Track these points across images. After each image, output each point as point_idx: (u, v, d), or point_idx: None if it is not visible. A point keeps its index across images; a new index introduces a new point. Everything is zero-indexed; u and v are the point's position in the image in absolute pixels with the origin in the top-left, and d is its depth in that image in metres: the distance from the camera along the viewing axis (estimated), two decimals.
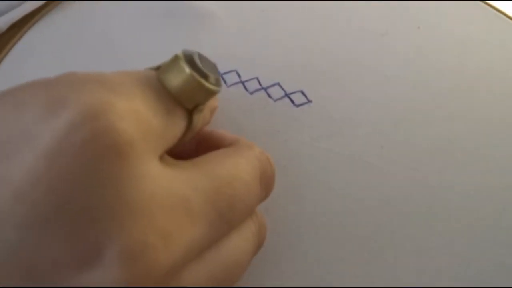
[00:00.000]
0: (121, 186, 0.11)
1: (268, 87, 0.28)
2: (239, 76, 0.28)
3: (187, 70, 0.15)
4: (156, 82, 0.15)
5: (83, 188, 0.11)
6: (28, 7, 0.29)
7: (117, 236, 0.11)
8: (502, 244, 0.24)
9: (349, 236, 0.24)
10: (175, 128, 0.15)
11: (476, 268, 0.24)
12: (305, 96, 0.28)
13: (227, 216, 0.15)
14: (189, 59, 0.16)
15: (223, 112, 0.27)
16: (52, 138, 0.11)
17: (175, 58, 0.16)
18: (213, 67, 0.17)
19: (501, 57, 0.32)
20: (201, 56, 0.16)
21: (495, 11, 0.34)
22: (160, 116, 0.14)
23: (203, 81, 0.16)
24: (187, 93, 0.15)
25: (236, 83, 0.28)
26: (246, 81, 0.28)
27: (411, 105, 0.29)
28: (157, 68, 0.16)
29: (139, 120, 0.13)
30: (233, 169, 0.16)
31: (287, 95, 0.28)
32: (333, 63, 0.30)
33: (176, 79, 0.15)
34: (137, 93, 0.14)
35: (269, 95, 0.28)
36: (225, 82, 0.28)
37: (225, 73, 0.28)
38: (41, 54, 0.29)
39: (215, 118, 0.26)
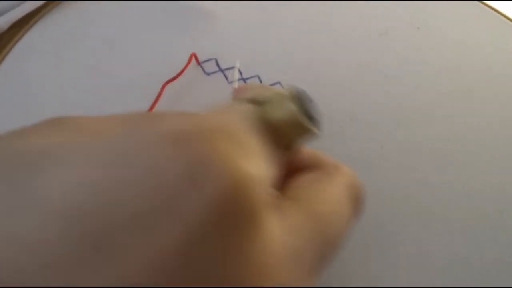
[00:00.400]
0: (252, 252, 0.11)
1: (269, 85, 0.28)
2: (240, 73, 0.28)
3: (295, 109, 0.15)
4: (262, 121, 0.15)
5: (220, 258, 0.11)
6: (29, 6, 0.29)
7: None
8: (502, 243, 0.24)
9: (349, 236, 0.24)
10: (278, 168, 0.15)
11: (476, 267, 0.24)
12: None
13: (328, 256, 0.15)
14: (296, 97, 0.16)
15: None
16: (194, 212, 0.10)
17: (283, 96, 0.15)
18: (315, 106, 0.16)
19: (499, 57, 0.32)
20: (305, 94, 0.16)
21: (494, 12, 0.34)
22: (270, 161, 0.14)
23: (309, 123, 0.15)
24: (291, 132, 0.15)
25: (238, 80, 0.28)
26: (248, 78, 0.28)
27: (411, 105, 0.29)
28: (257, 102, 0.16)
29: (265, 180, 0.13)
30: (332, 204, 0.16)
31: None
32: (333, 63, 0.30)
33: (282, 118, 0.15)
34: (256, 144, 0.13)
35: None
36: (226, 78, 0.28)
37: (226, 69, 0.28)
38: (42, 53, 0.29)
39: None
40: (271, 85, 0.28)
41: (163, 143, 0.11)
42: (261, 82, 0.28)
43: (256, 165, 0.12)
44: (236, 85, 0.27)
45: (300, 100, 0.16)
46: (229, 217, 0.11)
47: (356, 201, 0.17)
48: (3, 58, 0.28)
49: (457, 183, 0.26)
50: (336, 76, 0.29)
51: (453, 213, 0.25)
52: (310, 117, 0.16)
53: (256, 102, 0.16)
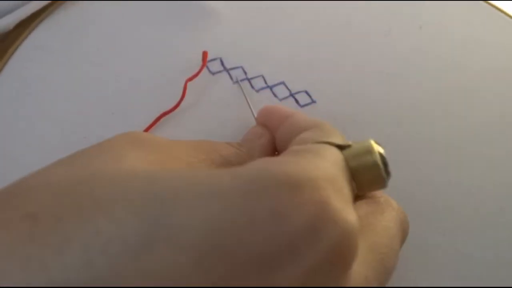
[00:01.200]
0: (343, 283, 0.13)
1: (274, 85, 0.28)
2: (245, 73, 0.28)
3: (378, 160, 0.16)
4: (346, 167, 0.16)
5: None
6: (35, 5, 0.29)
7: None
8: (504, 241, 0.25)
9: None
10: None
11: (478, 264, 0.24)
12: (310, 96, 0.28)
13: (385, 284, 0.17)
14: (377, 149, 0.17)
15: (231, 108, 0.27)
16: (315, 257, 0.12)
17: (369, 147, 0.17)
18: (387, 163, 0.17)
19: (502, 56, 0.32)
20: (382, 152, 0.17)
21: (497, 11, 0.34)
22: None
23: (386, 177, 0.17)
24: (367, 181, 0.16)
25: (243, 80, 0.28)
26: (252, 78, 0.28)
27: (414, 104, 0.29)
28: (342, 147, 0.17)
29: (357, 225, 0.14)
30: (389, 237, 0.17)
31: (292, 95, 0.28)
32: (336, 63, 0.30)
33: (363, 166, 0.16)
34: (349, 191, 0.15)
35: (274, 95, 0.28)
36: (231, 78, 0.28)
37: (231, 68, 0.28)
38: (48, 52, 0.29)
39: (223, 113, 0.27)
40: (276, 84, 0.28)
41: (280, 189, 0.12)
42: (265, 82, 0.28)
43: (352, 211, 0.14)
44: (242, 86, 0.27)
45: (380, 154, 0.17)
46: (338, 259, 0.12)
47: (404, 232, 0.19)
48: (9, 57, 0.28)
49: (459, 181, 0.26)
50: (340, 75, 0.29)
51: (456, 211, 0.25)
52: (386, 170, 0.17)
53: (339, 147, 0.17)
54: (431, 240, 0.24)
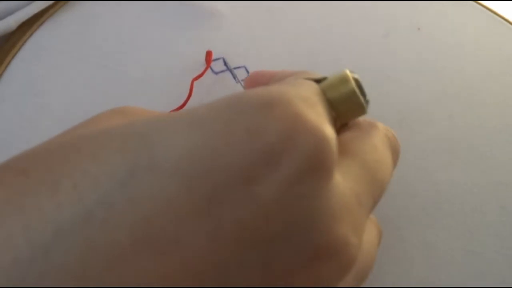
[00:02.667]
0: (327, 196, 0.13)
1: None
2: (247, 72, 0.29)
3: (353, 88, 0.17)
4: (323, 96, 0.16)
5: (310, 196, 0.13)
6: (38, 6, 0.29)
7: (329, 236, 0.13)
8: (504, 238, 0.25)
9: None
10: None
11: (480, 262, 0.24)
12: None
13: (378, 199, 0.17)
14: (353, 78, 0.17)
15: None
16: (293, 164, 0.13)
17: (344, 77, 0.17)
18: (364, 91, 0.18)
19: (499, 58, 0.33)
20: (358, 78, 0.17)
21: (493, 14, 0.35)
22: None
23: (363, 100, 0.17)
24: (346, 109, 0.17)
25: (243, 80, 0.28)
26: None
27: (413, 105, 0.29)
28: (318, 81, 0.17)
29: (334, 137, 0.14)
30: (377, 153, 0.18)
31: None
32: (336, 64, 0.30)
33: (341, 95, 0.16)
34: (325, 113, 0.15)
35: None
36: (234, 78, 0.28)
37: (234, 68, 0.29)
38: (51, 52, 0.29)
39: None
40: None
41: (254, 109, 0.13)
42: None
43: (328, 126, 0.14)
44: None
45: (356, 81, 0.17)
46: (315, 167, 0.13)
47: (394, 149, 0.19)
48: (12, 57, 0.28)
49: (460, 181, 0.27)
50: None
51: (457, 209, 0.26)
52: (364, 98, 0.17)
53: (316, 81, 0.17)
54: (434, 237, 0.25)
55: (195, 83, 0.27)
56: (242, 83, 0.28)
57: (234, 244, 0.12)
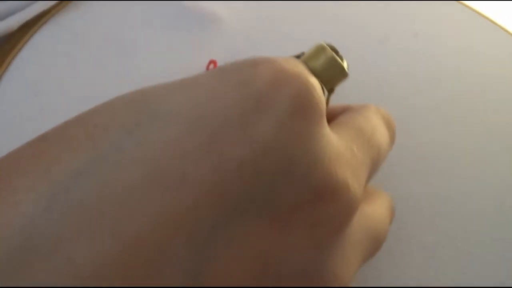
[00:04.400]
0: (322, 140, 0.15)
1: None
2: None
3: (332, 54, 0.18)
4: (305, 66, 0.17)
5: (303, 137, 0.14)
6: (41, 6, 0.29)
7: (328, 178, 0.14)
8: (502, 239, 0.25)
9: None
10: None
11: (478, 264, 0.24)
12: None
13: (376, 164, 0.18)
14: (329, 47, 0.18)
15: None
16: (282, 105, 0.14)
17: (320, 46, 0.18)
18: (341, 56, 0.19)
19: (495, 63, 0.33)
20: (333, 46, 0.19)
21: (486, 20, 0.36)
22: None
23: (343, 64, 0.18)
24: (329, 75, 0.18)
25: None
26: None
27: (410, 110, 0.30)
28: (298, 56, 0.18)
29: (318, 85, 0.16)
30: (369, 122, 0.19)
31: None
32: None
33: (321, 63, 0.18)
34: (303, 67, 0.17)
35: None
36: None
37: None
38: (51, 53, 0.29)
39: None
40: None
41: (243, 66, 0.15)
42: None
43: (313, 77, 0.16)
44: None
45: (332, 48, 0.18)
46: (304, 107, 0.14)
47: (388, 124, 0.21)
48: (13, 58, 0.28)
49: (457, 183, 0.27)
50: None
51: (456, 211, 0.26)
52: (342, 60, 0.19)
53: (296, 56, 0.18)
54: (432, 239, 0.25)
55: None
56: None
57: (238, 179, 0.13)
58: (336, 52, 0.18)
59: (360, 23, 0.34)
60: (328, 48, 0.18)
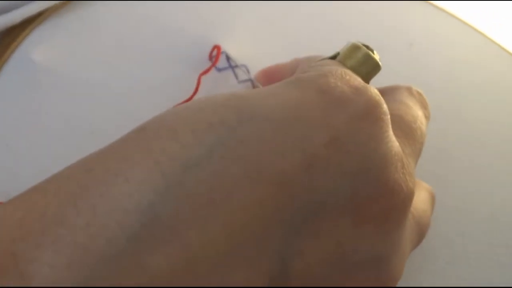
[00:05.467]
0: (389, 142, 0.16)
1: None
2: (248, 72, 0.29)
3: (367, 51, 0.20)
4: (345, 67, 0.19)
5: (371, 141, 0.16)
6: (46, 3, 0.29)
7: (394, 175, 0.16)
8: (497, 244, 0.26)
9: None
10: None
11: (474, 268, 0.25)
12: None
13: (421, 149, 0.20)
14: (361, 44, 0.20)
15: None
16: (358, 109, 0.16)
17: (354, 45, 0.20)
18: (373, 50, 0.21)
19: (486, 74, 0.34)
20: (364, 43, 0.20)
21: (479, 33, 0.37)
22: None
23: (376, 58, 0.20)
24: (366, 70, 0.19)
25: (246, 81, 0.29)
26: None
27: None
28: (333, 57, 0.20)
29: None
30: (410, 110, 0.21)
31: None
32: None
33: (358, 60, 0.19)
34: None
35: None
36: (236, 78, 0.29)
37: (235, 66, 0.29)
38: (51, 48, 0.29)
39: None
40: None
41: (317, 78, 0.17)
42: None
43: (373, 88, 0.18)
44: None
45: (364, 45, 0.20)
46: (377, 114, 0.16)
47: (424, 105, 0.23)
48: (12, 51, 0.28)
49: (452, 189, 0.28)
50: None
51: (452, 216, 0.26)
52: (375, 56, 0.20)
53: (331, 58, 0.20)
54: (430, 241, 0.25)
55: (192, 78, 0.27)
56: (246, 81, 0.28)
57: (326, 175, 0.15)
58: (368, 47, 0.20)
59: (356, 33, 0.35)
60: (362, 45, 0.20)
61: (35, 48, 0.29)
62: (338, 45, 0.33)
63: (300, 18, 0.34)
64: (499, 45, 0.36)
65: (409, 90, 0.23)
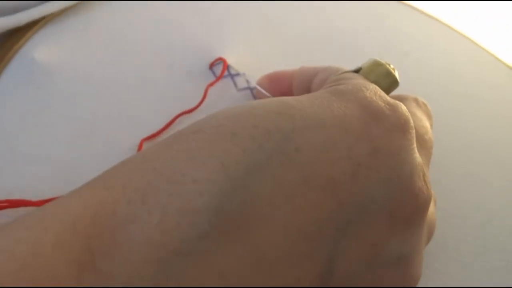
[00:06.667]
0: (415, 152, 0.18)
1: None
2: (247, 82, 0.29)
3: (387, 68, 0.21)
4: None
5: (402, 151, 0.17)
6: (55, 6, 0.29)
7: (419, 183, 0.17)
8: (491, 248, 0.26)
9: None
10: None
11: (468, 271, 0.25)
12: None
13: (429, 162, 0.22)
14: (382, 61, 0.22)
15: None
16: (393, 123, 0.17)
17: (376, 62, 0.22)
18: (392, 67, 0.22)
19: (480, 84, 0.35)
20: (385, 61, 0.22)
21: (473, 43, 0.37)
22: None
23: (396, 75, 0.22)
24: (386, 86, 0.21)
25: (245, 89, 0.29)
26: (254, 88, 0.29)
27: None
28: (357, 71, 0.22)
29: None
30: (420, 121, 0.22)
31: None
32: None
33: (379, 75, 0.21)
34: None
35: None
36: (235, 86, 0.29)
37: (235, 74, 0.30)
38: (54, 48, 0.29)
39: None
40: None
41: (357, 91, 0.18)
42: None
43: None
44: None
45: (385, 62, 0.22)
46: (407, 128, 0.18)
47: (429, 115, 0.25)
48: (16, 51, 0.28)
49: (448, 195, 0.28)
50: None
51: (447, 221, 0.27)
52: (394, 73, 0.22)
53: (354, 72, 0.22)
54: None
55: (199, 86, 0.28)
56: (245, 89, 0.29)
57: (369, 182, 0.16)
58: (388, 64, 0.22)
59: (355, 42, 0.35)
60: (384, 63, 0.22)
61: (39, 49, 0.29)
62: (336, 55, 0.35)
63: (297, 28, 0.35)
64: (493, 55, 0.36)
65: (416, 101, 0.24)
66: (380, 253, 0.17)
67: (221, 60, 0.30)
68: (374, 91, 0.18)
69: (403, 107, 0.18)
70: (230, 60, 0.30)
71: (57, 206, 0.14)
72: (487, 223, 0.27)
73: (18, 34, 0.29)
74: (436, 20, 0.38)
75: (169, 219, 0.13)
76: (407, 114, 0.18)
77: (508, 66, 0.36)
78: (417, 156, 0.18)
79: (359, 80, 0.20)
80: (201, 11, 0.33)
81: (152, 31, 0.31)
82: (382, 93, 0.19)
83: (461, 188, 0.29)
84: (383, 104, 0.18)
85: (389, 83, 0.21)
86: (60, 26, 0.30)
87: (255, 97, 0.29)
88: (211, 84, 0.28)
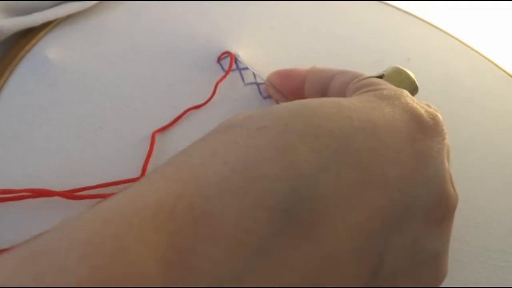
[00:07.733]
0: (444, 158, 0.19)
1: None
2: (254, 76, 0.30)
3: (408, 74, 0.23)
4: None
5: (438, 156, 0.18)
6: (72, 7, 0.30)
7: (449, 185, 0.18)
8: (490, 249, 0.27)
9: None
10: None
11: (468, 272, 0.25)
12: None
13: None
14: (403, 68, 0.23)
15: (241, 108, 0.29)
16: (431, 129, 0.18)
17: (398, 69, 0.23)
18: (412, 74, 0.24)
19: (479, 89, 0.36)
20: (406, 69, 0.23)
21: (473, 50, 0.38)
22: None
23: (416, 82, 0.23)
24: (410, 92, 0.21)
25: (251, 84, 0.30)
26: (261, 84, 0.30)
27: None
28: (380, 76, 0.23)
29: None
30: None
31: None
32: None
33: (400, 81, 0.22)
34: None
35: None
36: (242, 79, 0.30)
37: (242, 68, 0.30)
38: (66, 48, 0.30)
39: (232, 111, 0.28)
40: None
41: (400, 98, 0.19)
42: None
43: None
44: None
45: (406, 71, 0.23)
46: (442, 134, 0.19)
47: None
48: (28, 51, 0.29)
49: None
50: None
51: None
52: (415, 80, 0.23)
53: (379, 76, 0.23)
54: None
55: (208, 80, 0.28)
56: (251, 84, 0.29)
57: (414, 184, 0.17)
58: (408, 72, 0.23)
59: (357, 48, 0.36)
60: (404, 70, 0.23)
61: (51, 48, 0.30)
62: (341, 59, 0.35)
63: (304, 29, 0.36)
64: (492, 62, 0.37)
65: (429, 107, 0.25)
66: (420, 249, 0.17)
67: (228, 53, 0.30)
68: (411, 98, 0.19)
69: (439, 115, 0.19)
70: (239, 55, 0.31)
71: (135, 199, 0.14)
72: (487, 223, 0.28)
73: (31, 33, 0.30)
74: (437, 28, 0.39)
75: (246, 216, 0.14)
76: (441, 121, 0.19)
77: (507, 73, 0.37)
78: (446, 161, 0.19)
79: (393, 86, 0.21)
80: (209, 7, 0.34)
81: (161, 28, 0.32)
82: (416, 100, 0.19)
83: (462, 189, 0.29)
84: (423, 111, 0.19)
85: (411, 89, 0.22)
86: (71, 26, 0.31)
87: (261, 92, 0.30)
88: (221, 80, 0.29)
